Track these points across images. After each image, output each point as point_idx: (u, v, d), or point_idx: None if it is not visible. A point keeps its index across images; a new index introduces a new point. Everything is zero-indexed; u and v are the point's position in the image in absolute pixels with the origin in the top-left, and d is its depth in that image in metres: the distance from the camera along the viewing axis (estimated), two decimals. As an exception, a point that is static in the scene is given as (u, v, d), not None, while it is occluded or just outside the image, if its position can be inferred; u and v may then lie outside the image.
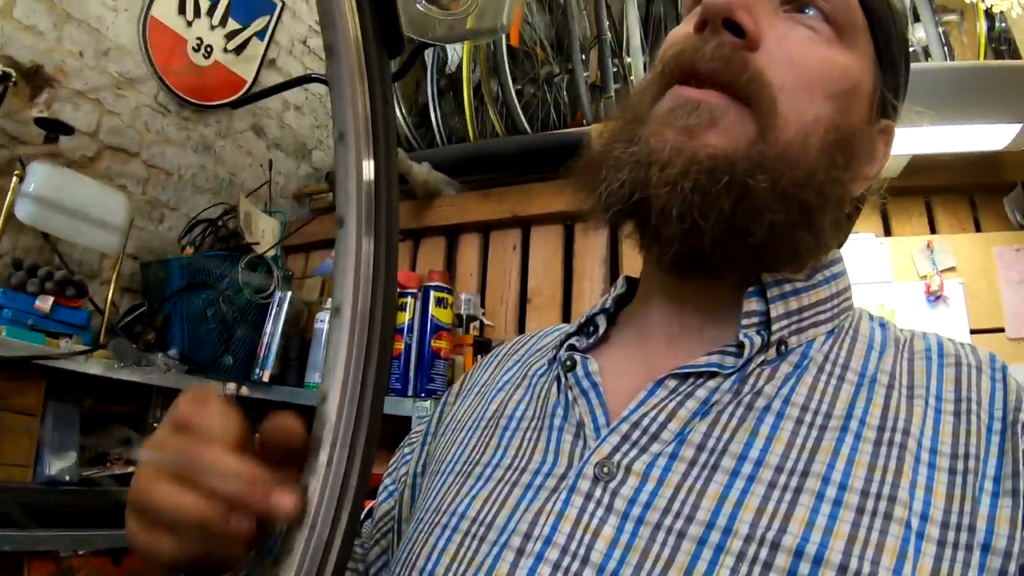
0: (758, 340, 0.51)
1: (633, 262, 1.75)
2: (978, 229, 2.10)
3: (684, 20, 0.60)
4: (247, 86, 2.52)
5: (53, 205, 1.80)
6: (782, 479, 0.45)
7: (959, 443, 0.47)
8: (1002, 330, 1.97)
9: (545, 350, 0.66)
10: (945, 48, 2.12)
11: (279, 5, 2.70)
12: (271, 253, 2.14)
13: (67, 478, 1.75)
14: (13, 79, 1.83)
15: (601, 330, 0.61)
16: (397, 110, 2.54)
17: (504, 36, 2.19)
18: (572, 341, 0.60)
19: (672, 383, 0.51)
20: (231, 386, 2.03)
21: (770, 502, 0.45)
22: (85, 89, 2.10)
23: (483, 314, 2.09)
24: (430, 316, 1.86)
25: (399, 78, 2.36)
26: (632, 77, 2.31)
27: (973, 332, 1.96)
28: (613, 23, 2.51)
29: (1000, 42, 2.19)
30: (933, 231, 2.11)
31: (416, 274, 2.09)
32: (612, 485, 0.48)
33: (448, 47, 2.53)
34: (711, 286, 0.56)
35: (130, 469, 1.95)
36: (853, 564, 0.41)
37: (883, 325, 0.59)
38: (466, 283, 2.23)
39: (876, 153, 0.60)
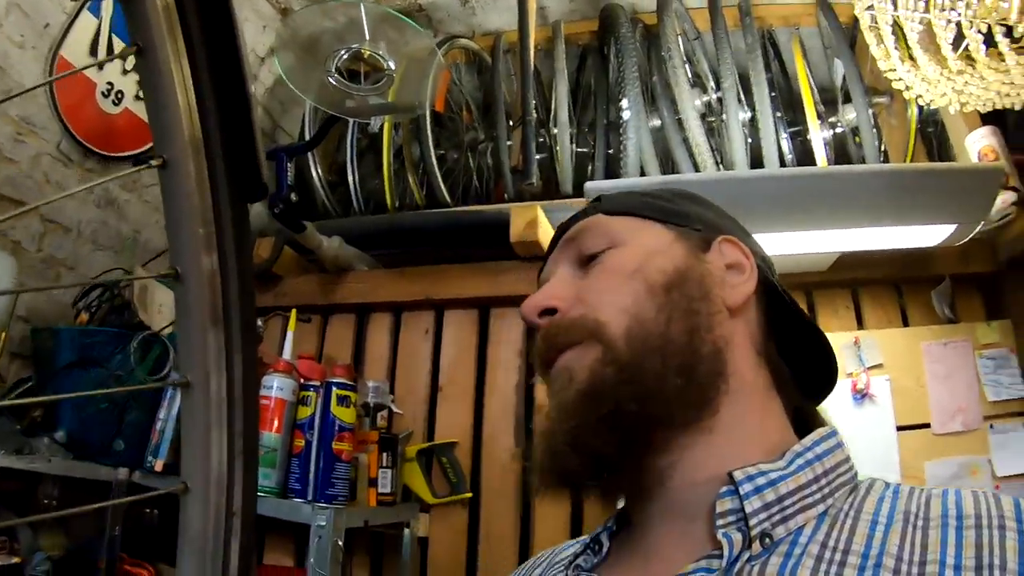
0: (738, 537, 0.52)
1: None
2: (905, 322, 2.09)
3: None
4: (157, 136, 2.36)
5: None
6: None
7: None
8: (928, 425, 1.97)
9: (559, 567, 0.69)
10: (874, 130, 2.14)
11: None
12: (168, 331, 1.97)
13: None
14: None
15: (605, 548, 0.65)
16: (315, 173, 2.40)
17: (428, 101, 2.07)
18: (579, 561, 0.65)
19: None
20: (122, 471, 1.89)
21: None
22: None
23: (392, 401, 1.98)
24: (331, 416, 1.72)
25: (313, 147, 2.25)
26: (558, 149, 2.20)
27: (900, 428, 1.96)
28: (542, 89, 2.41)
29: (928, 124, 2.24)
30: (860, 324, 2.10)
31: (320, 365, 1.93)
32: None
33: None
34: (677, 489, 0.58)
35: (14, 560, 1.80)
36: None
37: (896, 493, 0.57)
38: (376, 367, 2.11)
39: (733, 259, 0.66)
